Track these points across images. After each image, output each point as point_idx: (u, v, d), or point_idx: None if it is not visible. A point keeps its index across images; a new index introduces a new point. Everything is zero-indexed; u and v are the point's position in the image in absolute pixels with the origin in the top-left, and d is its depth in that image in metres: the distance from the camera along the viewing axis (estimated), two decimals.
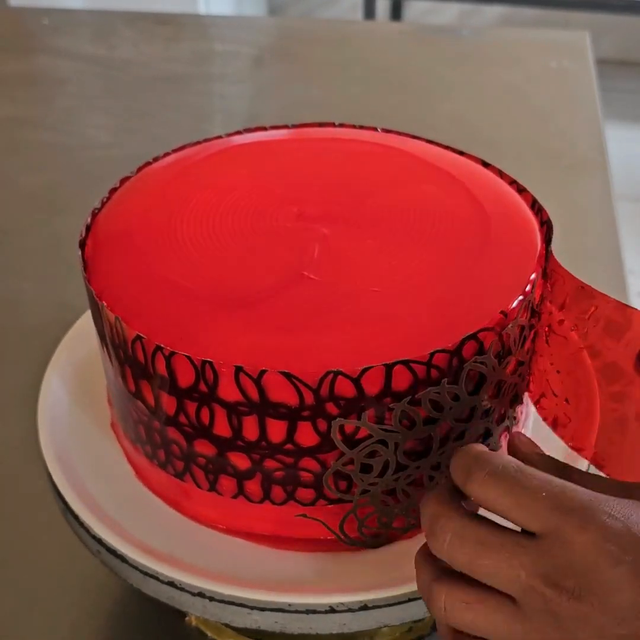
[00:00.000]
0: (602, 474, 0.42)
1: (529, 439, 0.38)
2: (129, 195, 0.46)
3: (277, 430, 0.37)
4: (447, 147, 0.49)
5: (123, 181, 0.47)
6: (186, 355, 0.36)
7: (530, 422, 0.47)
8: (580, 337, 0.41)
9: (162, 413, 0.39)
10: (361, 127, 0.51)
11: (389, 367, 0.36)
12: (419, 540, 0.41)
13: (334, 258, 0.41)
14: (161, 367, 0.37)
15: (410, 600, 0.39)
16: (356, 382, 0.36)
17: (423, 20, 2.49)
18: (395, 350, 0.36)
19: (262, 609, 0.38)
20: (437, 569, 0.34)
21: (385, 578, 0.39)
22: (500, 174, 0.47)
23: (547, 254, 0.41)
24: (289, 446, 0.38)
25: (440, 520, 0.33)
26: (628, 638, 0.30)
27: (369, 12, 2.16)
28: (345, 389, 0.36)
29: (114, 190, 0.46)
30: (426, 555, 0.35)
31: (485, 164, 0.48)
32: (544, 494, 0.31)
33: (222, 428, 0.38)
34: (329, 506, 0.40)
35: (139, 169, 0.48)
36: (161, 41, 1.12)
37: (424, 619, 0.40)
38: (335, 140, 0.50)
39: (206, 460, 0.39)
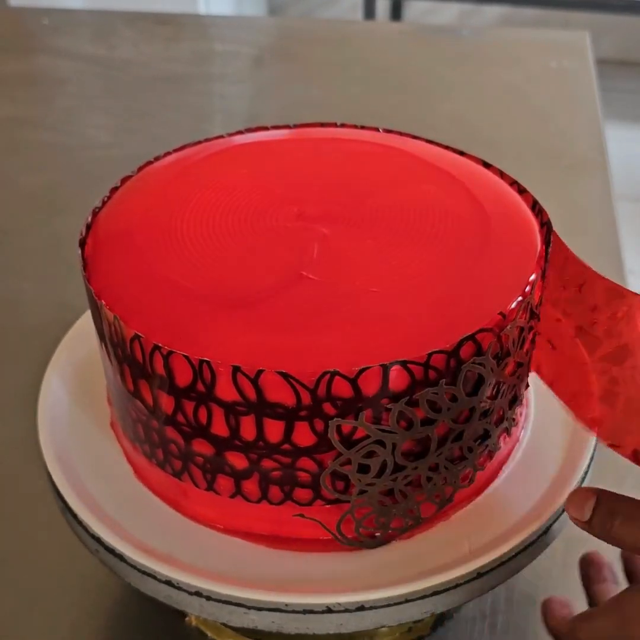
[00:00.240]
0: None
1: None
2: (129, 194, 0.46)
3: (274, 430, 0.37)
4: (447, 148, 0.49)
5: (124, 180, 0.47)
6: (184, 355, 0.36)
7: (529, 424, 0.47)
8: (615, 337, 0.41)
9: (160, 412, 0.39)
10: (362, 128, 0.51)
11: (386, 368, 0.36)
12: (416, 541, 0.41)
13: (333, 258, 0.41)
14: (159, 366, 0.37)
15: (407, 601, 0.39)
16: (353, 382, 0.36)
17: (423, 20, 2.50)
18: (393, 350, 0.36)
19: (259, 609, 0.38)
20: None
21: (383, 579, 0.39)
22: (501, 174, 0.47)
23: (546, 255, 0.41)
24: (286, 446, 0.38)
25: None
26: None
27: (369, 12, 2.16)
28: (342, 389, 0.36)
29: (114, 190, 0.46)
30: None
31: (486, 165, 0.47)
32: None
33: (220, 428, 0.38)
34: (327, 506, 0.40)
35: (140, 169, 0.48)
36: (161, 41, 1.13)
37: (423, 619, 0.40)
38: (336, 140, 0.50)
39: (204, 460, 0.39)
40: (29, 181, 0.87)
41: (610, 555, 0.48)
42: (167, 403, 0.39)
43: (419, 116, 0.96)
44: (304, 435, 0.37)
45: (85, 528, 0.42)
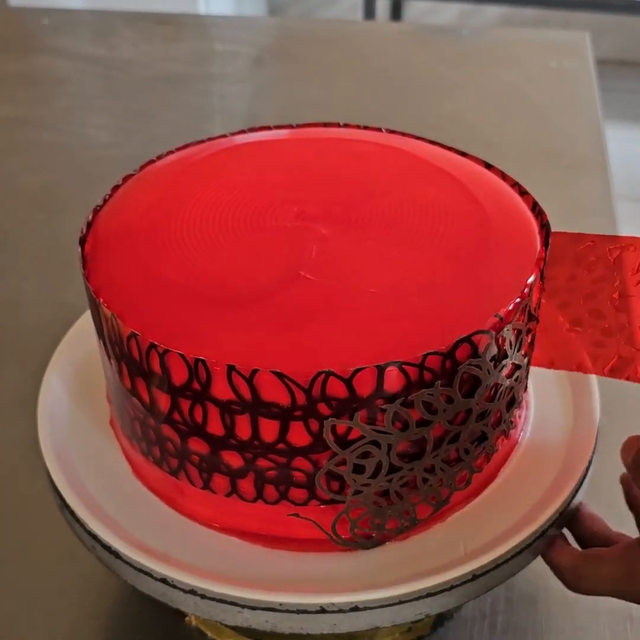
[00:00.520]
0: None
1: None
2: (130, 192, 0.46)
3: (269, 429, 0.37)
4: (450, 148, 0.49)
5: (126, 179, 0.47)
6: (180, 353, 0.36)
7: (529, 426, 0.47)
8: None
9: (156, 410, 0.39)
10: (365, 128, 0.51)
11: (381, 369, 0.35)
12: (412, 543, 0.41)
13: (331, 258, 0.41)
14: (155, 364, 0.38)
15: (401, 602, 0.38)
16: (348, 382, 0.35)
17: (423, 20, 2.50)
18: (389, 351, 0.36)
19: (253, 608, 0.38)
20: None
21: (377, 580, 0.39)
22: (503, 176, 0.46)
23: (545, 256, 0.41)
24: (281, 446, 0.38)
25: None
26: None
27: (369, 12, 2.16)
28: (337, 389, 0.36)
29: (116, 188, 0.46)
30: None
31: (488, 166, 0.47)
32: None
33: (215, 426, 0.38)
34: (322, 506, 0.40)
35: (142, 167, 0.48)
36: (161, 41, 1.13)
37: (422, 619, 0.40)
38: (338, 140, 0.50)
39: (200, 458, 0.40)
40: (29, 181, 0.87)
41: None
42: (163, 401, 0.39)
43: (419, 116, 0.96)
44: (299, 435, 0.37)
45: (82, 525, 0.42)
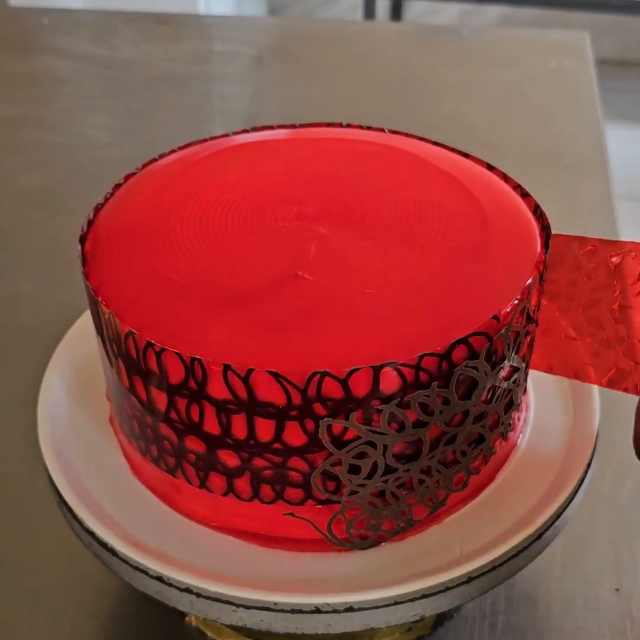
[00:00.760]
0: None
1: None
2: (131, 191, 0.46)
3: (265, 429, 0.37)
4: (452, 149, 0.49)
5: (127, 178, 0.47)
6: (176, 352, 0.36)
7: (528, 429, 0.47)
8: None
9: (154, 409, 0.39)
10: (368, 128, 0.51)
11: (377, 369, 0.36)
12: (408, 544, 0.41)
13: (330, 258, 0.41)
14: (152, 363, 0.38)
15: (396, 603, 0.38)
16: (343, 383, 0.36)
17: (423, 20, 2.50)
18: (386, 352, 0.36)
19: (248, 607, 0.38)
20: None
21: (372, 580, 0.39)
22: (505, 177, 0.46)
23: (545, 258, 0.41)
24: (277, 445, 0.38)
25: None
26: None
27: (369, 12, 2.16)
28: (332, 389, 0.36)
29: (117, 187, 0.46)
30: None
31: (490, 167, 0.47)
32: None
33: (212, 425, 0.38)
34: (318, 506, 0.40)
35: (144, 166, 0.48)
36: (161, 41, 1.13)
37: (420, 620, 0.40)
38: (339, 140, 0.50)
39: (196, 457, 0.40)
40: (29, 181, 0.87)
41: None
42: (160, 400, 0.39)
43: (419, 116, 0.96)
44: (294, 435, 0.37)
45: (80, 522, 0.42)
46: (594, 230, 0.81)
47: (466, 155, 0.48)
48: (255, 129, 0.51)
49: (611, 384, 0.42)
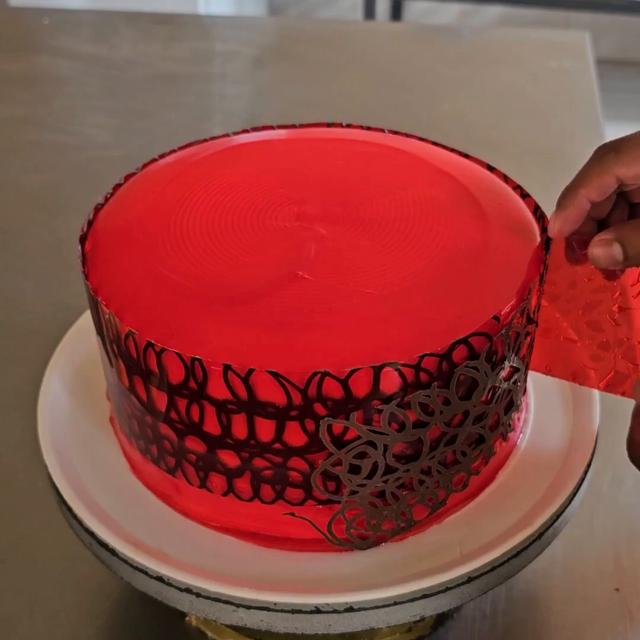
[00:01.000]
0: None
1: None
2: (131, 191, 0.46)
3: (265, 429, 0.37)
4: (452, 150, 0.49)
5: (127, 178, 0.47)
6: (176, 352, 0.36)
7: (528, 429, 0.47)
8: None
9: (154, 409, 0.40)
10: (369, 128, 0.50)
11: (377, 369, 0.36)
12: (407, 544, 0.41)
13: (330, 258, 0.41)
14: (152, 363, 0.38)
15: (396, 603, 0.39)
16: (344, 383, 0.36)
17: (423, 20, 2.49)
18: (386, 352, 0.36)
19: (248, 607, 0.39)
20: None
21: (372, 580, 0.39)
22: (505, 178, 0.46)
23: (545, 259, 0.41)
24: (277, 445, 0.38)
25: None
26: None
27: (369, 12, 2.16)
28: (332, 390, 0.36)
29: (117, 187, 0.46)
30: None
31: (490, 168, 0.47)
32: None
33: (212, 425, 0.38)
34: (318, 506, 0.40)
35: (144, 166, 0.48)
36: (161, 41, 1.12)
37: (420, 620, 0.40)
38: (339, 140, 0.50)
39: (197, 457, 0.40)
40: (29, 181, 0.87)
41: None
42: (160, 400, 0.39)
43: (419, 116, 0.96)
44: (295, 435, 0.37)
45: (79, 522, 0.42)
46: None
47: (466, 156, 0.48)
48: (255, 129, 0.51)
49: (608, 388, 0.42)
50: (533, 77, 1.05)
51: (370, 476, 0.38)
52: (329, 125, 0.51)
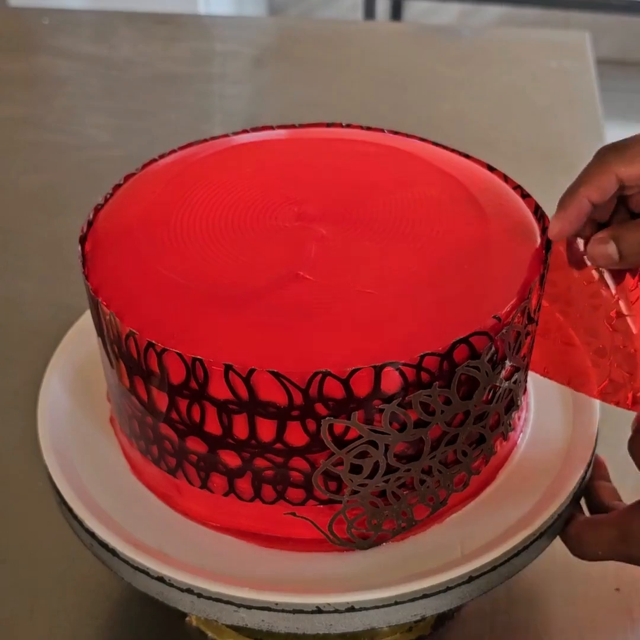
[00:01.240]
0: None
1: None
2: (131, 192, 0.46)
3: (266, 429, 0.37)
4: (452, 150, 0.49)
5: (127, 178, 0.47)
6: (177, 353, 0.36)
7: (528, 429, 0.47)
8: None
9: (154, 409, 0.39)
10: (368, 128, 0.50)
11: (378, 369, 0.36)
12: (408, 544, 0.41)
13: (330, 258, 0.41)
14: (153, 363, 0.38)
15: (397, 603, 0.39)
16: (345, 383, 0.36)
17: (423, 20, 2.49)
18: (387, 352, 0.36)
19: (249, 607, 0.39)
20: None
21: (373, 580, 0.39)
22: (505, 178, 0.46)
23: (546, 260, 0.41)
24: (278, 445, 0.38)
25: None
26: None
27: (369, 12, 2.16)
28: (334, 389, 0.36)
29: (117, 187, 0.46)
30: None
31: (491, 168, 0.47)
32: None
33: (213, 426, 0.38)
34: (319, 506, 0.40)
35: (144, 166, 0.48)
36: (161, 41, 1.12)
37: (421, 620, 0.40)
38: (339, 140, 0.50)
39: (198, 457, 0.40)
40: (29, 181, 0.87)
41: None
42: (161, 400, 0.39)
43: (418, 116, 0.96)
44: (296, 435, 0.37)
45: (80, 523, 0.42)
46: None
47: (466, 156, 0.48)
48: (255, 129, 0.51)
49: (603, 396, 0.42)
50: (533, 77, 1.05)
51: (371, 476, 0.38)
52: (329, 125, 0.51)
